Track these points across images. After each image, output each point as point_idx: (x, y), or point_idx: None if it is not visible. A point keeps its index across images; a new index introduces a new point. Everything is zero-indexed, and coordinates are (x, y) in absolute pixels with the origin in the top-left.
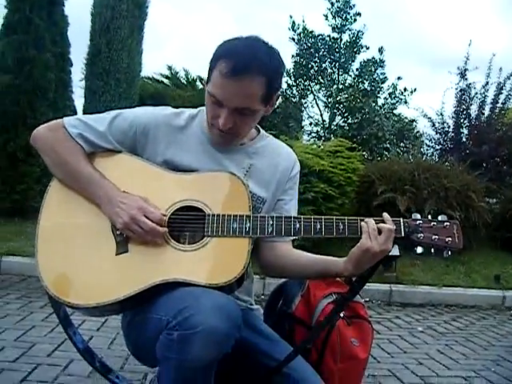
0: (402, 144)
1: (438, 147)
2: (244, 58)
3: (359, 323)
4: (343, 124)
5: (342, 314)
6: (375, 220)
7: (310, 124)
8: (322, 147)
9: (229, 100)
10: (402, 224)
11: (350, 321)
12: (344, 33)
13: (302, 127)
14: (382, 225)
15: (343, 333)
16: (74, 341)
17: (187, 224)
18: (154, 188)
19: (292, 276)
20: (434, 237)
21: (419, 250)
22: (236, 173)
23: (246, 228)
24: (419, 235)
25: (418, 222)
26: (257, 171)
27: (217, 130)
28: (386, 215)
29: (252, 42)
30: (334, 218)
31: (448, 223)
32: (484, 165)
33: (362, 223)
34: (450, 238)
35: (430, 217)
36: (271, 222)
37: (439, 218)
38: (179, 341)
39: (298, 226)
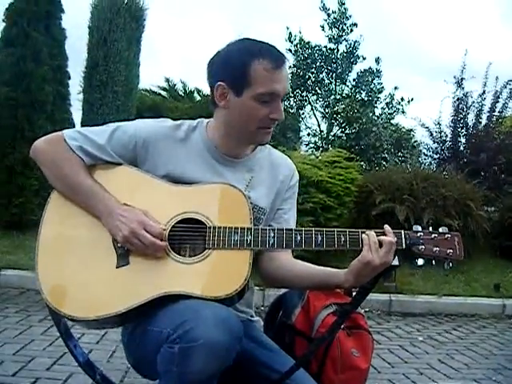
0: (399, 154)
1: (435, 156)
2: (273, 50)
3: (359, 334)
4: (341, 134)
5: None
6: (376, 232)
7: (308, 134)
8: (319, 158)
9: (283, 88)
10: (403, 236)
11: (351, 331)
12: (341, 43)
13: (300, 138)
14: (382, 237)
15: (344, 343)
16: (74, 354)
17: (188, 236)
18: (154, 200)
19: (292, 286)
20: (435, 249)
21: (420, 261)
22: (237, 185)
23: (247, 240)
24: (420, 247)
25: (419, 233)
26: (257, 182)
27: (266, 129)
28: (387, 228)
29: (255, 40)
30: (336, 230)
31: (449, 235)
32: (482, 173)
33: (364, 236)
34: (451, 250)
35: (430, 228)
36: (272, 235)
37: (440, 229)
38: (180, 354)
39: (299, 238)
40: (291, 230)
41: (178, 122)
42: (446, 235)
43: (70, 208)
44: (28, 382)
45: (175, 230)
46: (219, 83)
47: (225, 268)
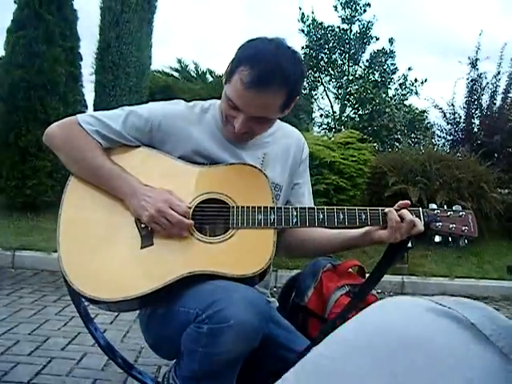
0: (413, 135)
1: (449, 138)
2: (268, 68)
3: None
4: (354, 115)
5: None
6: (395, 209)
7: (321, 116)
8: (332, 139)
9: (247, 108)
10: (421, 213)
11: None
12: (354, 24)
13: (313, 119)
14: (404, 213)
15: None
16: (95, 336)
17: (210, 217)
18: (175, 181)
19: (313, 252)
20: (451, 226)
21: (437, 238)
22: (253, 164)
23: (270, 219)
24: (438, 224)
25: (435, 211)
26: (271, 159)
27: (232, 127)
28: (404, 210)
29: (276, 48)
30: (356, 208)
31: (463, 213)
32: (496, 155)
33: (389, 216)
34: (466, 227)
35: (445, 206)
36: (295, 213)
37: (454, 208)
38: (209, 334)
39: (321, 216)
40: (313, 208)
41: (191, 103)
42: (460, 213)
43: (89, 191)
44: (43, 362)
45: (197, 210)
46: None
47: (250, 247)
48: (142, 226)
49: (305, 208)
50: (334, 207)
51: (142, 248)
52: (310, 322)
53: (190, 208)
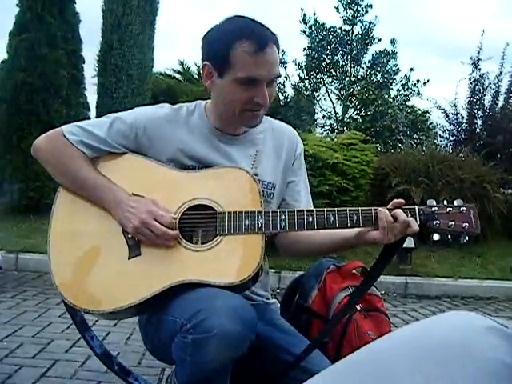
0: (415, 136)
1: (451, 138)
2: (258, 32)
3: (376, 316)
4: (356, 116)
5: (358, 307)
6: (389, 209)
7: (323, 117)
8: (335, 140)
9: (267, 73)
10: (417, 212)
11: (367, 313)
12: (355, 25)
13: (315, 120)
14: (397, 212)
15: (360, 325)
16: (91, 345)
17: (199, 223)
18: (162, 188)
19: (308, 252)
20: (450, 223)
21: (436, 237)
22: (244, 162)
23: (258, 224)
24: (435, 222)
25: (433, 208)
26: (264, 157)
27: (251, 112)
28: (398, 210)
29: (239, 19)
30: (348, 209)
31: (464, 208)
32: (499, 155)
33: (378, 217)
34: (466, 224)
35: (445, 202)
36: (283, 217)
37: (455, 202)
38: (194, 344)
39: (311, 219)
40: (302, 211)
41: (176, 106)
42: (461, 208)
43: (78, 202)
44: (47, 364)
45: (185, 217)
46: (205, 63)
47: (237, 254)
48: (129, 236)
49: (293, 211)
50: (324, 209)
51: (129, 258)
52: (314, 323)
53: (175, 218)
